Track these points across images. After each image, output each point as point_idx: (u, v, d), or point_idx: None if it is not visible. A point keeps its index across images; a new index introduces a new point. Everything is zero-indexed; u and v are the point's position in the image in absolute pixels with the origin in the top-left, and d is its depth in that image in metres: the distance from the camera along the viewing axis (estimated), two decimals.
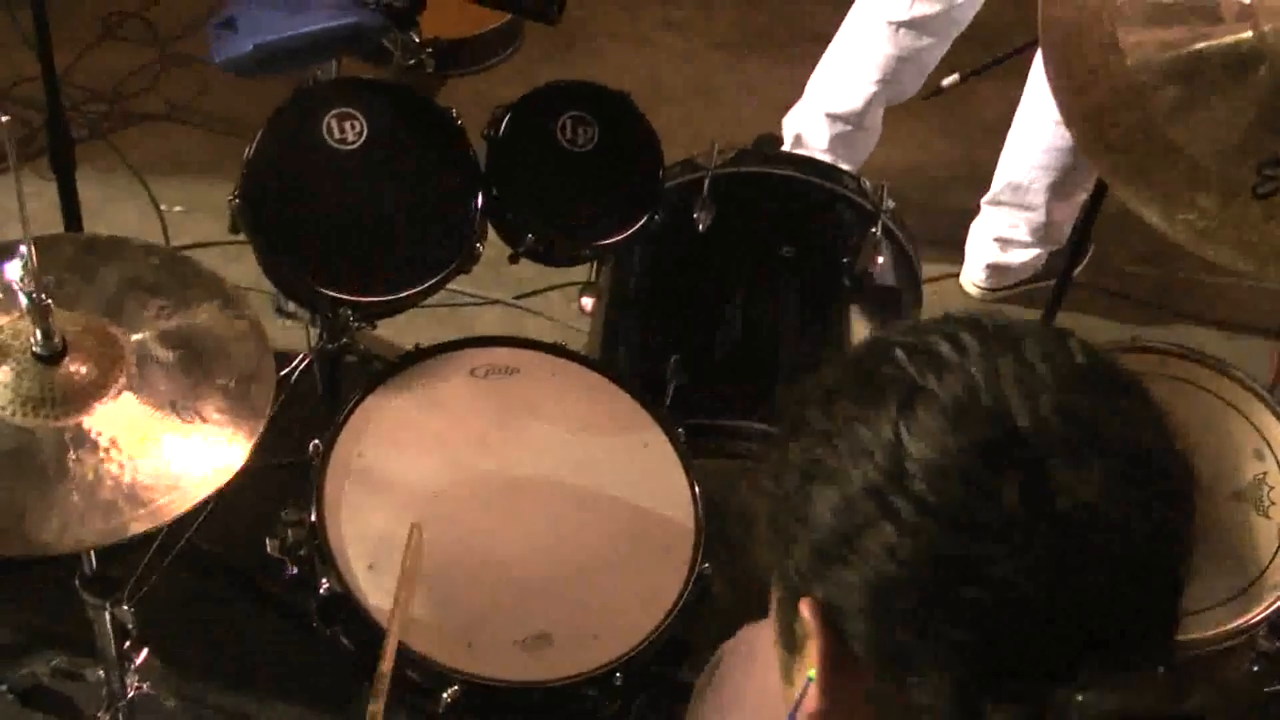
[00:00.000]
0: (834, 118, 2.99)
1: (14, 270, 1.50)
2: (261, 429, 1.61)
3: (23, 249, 1.49)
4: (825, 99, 3.00)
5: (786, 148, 3.05)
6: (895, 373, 0.77)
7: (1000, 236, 3.04)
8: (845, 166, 2.65)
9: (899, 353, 0.78)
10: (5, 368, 1.57)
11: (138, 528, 1.51)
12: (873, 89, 2.94)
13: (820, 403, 0.81)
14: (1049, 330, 0.79)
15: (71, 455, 1.53)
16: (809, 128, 3.03)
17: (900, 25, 2.86)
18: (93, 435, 1.55)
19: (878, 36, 2.89)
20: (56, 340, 1.57)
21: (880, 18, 2.88)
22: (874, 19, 2.89)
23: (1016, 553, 0.71)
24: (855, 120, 2.99)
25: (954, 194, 3.24)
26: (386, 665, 1.60)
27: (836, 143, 3.00)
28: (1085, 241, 2.48)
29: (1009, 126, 3.01)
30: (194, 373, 1.64)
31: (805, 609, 0.78)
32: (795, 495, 0.80)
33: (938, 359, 0.77)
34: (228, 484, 1.57)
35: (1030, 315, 2.62)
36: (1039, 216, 2.97)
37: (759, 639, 1.62)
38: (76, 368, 1.58)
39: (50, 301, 1.54)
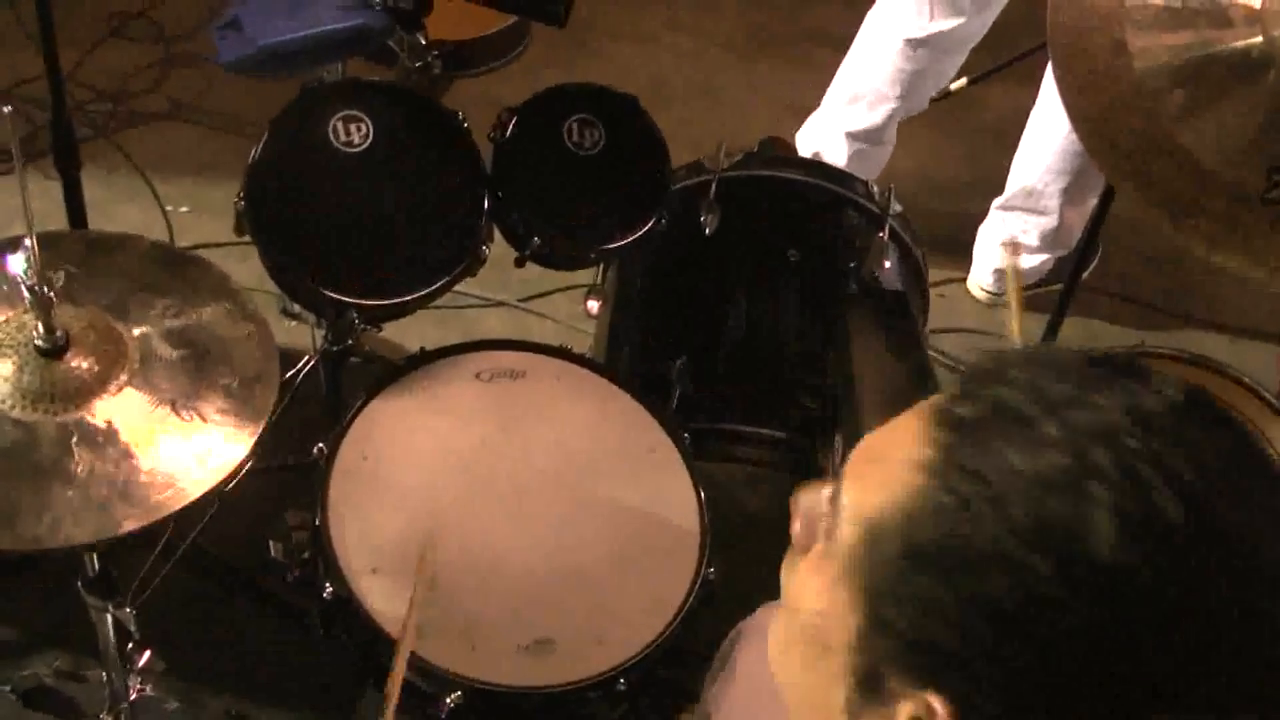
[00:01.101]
0: (853, 136, 3.00)
1: (18, 264, 1.50)
2: (261, 432, 1.60)
3: (27, 242, 1.49)
4: (845, 118, 3.00)
5: None
6: (1060, 461, 0.73)
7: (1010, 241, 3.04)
8: None
9: (1054, 429, 0.74)
10: (7, 361, 1.56)
11: (130, 526, 1.50)
12: (893, 106, 2.96)
13: (960, 473, 0.76)
14: (1215, 419, 0.76)
15: (68, 451, 1.53)
16: (828, 146, 3.04)
17: (919, 43, 2.86)
18: (91, 431, 1.55)
19: (896, 55, 2.89)
20: (59, 335, 1.56)
21: (898, 36, 2.88)
22: (891, 38, 2.89)
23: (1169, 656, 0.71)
24: (874, 138, 3.00)
25: (960, 198, 3.24)
26: (397, 678, 1.59)
27: (854, 160, 3.01)
28: (1093, 245, 2.48)
29: (1016, 130, 3.01)
30: (197, 372, 1.64)
31: (938, 706, 0.75)
32: (924, 578, 0.76)
33: (1111, 441, 0.72)
34: (230, 486, 1.57)
35: (1037, 320, 2.62)
36: (1051, 221, 2.97)
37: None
38: (79, 363, 1.57)
39: (53, 295, 1.53)
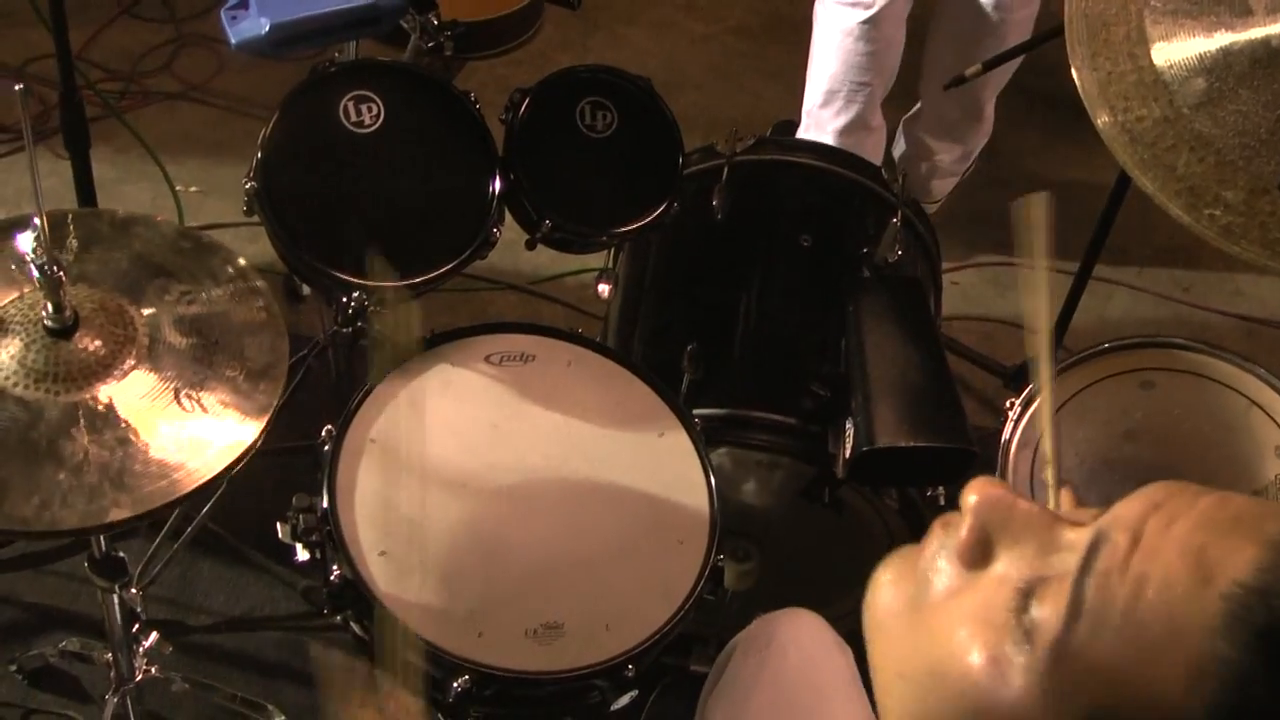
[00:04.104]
0: (842, 133, 2.99)
1: (27, 242, 1.49)
2: (262, 429, 1.58)
3: (36, 220, 1.48)
4: (828, 120, 3.00)
5: None
6: None
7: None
8: None
9: None
10: (15, 339, 1.55)
11: (118, 515, 1.48)
12: (868, 91, 2.97)
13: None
14: None
15: (65, 433, 1.51)
16: None
17: (872, 21, 2.88)
18: (91, 414, 1.53)
19: (855, 41, 2.91)
20: (68, 314, 1.55)
21: (851, 20, 2.89)
22: (845, 25, 2.91)
23: None
24: (862, 125, 3.00)
25: (970, 186, 3.22)
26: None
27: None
28: (1104, 232, 2.46)
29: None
30: (205, 362, 1.62)
31: None
32: None
33: None
34: (237, 469, 1.56)
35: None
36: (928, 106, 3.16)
37: (776, 630, 1.61)
38: (86, 344, 1.56)
39: (62, 275, 1.52)
